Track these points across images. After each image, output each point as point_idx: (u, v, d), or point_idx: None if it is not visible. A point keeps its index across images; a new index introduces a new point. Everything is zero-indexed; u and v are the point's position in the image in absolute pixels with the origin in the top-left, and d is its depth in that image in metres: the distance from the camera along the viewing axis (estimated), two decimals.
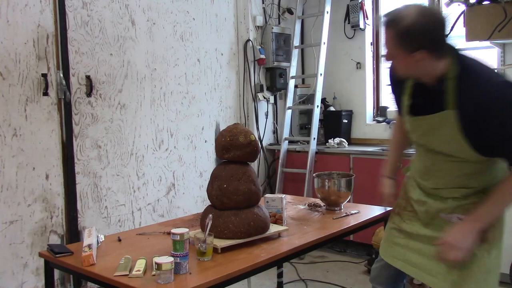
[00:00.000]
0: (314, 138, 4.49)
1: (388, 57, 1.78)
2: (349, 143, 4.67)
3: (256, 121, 4.77)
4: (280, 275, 3.09)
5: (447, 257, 1.80)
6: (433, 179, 1.92)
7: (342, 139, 4.58)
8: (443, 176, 1.88)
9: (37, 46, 3.09)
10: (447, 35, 1.74)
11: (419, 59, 1.69)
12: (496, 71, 1.83)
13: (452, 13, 3.92)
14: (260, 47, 4.74)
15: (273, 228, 2.22)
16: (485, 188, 1.82)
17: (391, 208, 2.81)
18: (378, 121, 4.82)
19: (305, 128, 5.08)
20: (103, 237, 2.25)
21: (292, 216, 2.57)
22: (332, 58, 4.83)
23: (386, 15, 1.73)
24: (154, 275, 1.75)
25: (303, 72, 5.24)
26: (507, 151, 1.69)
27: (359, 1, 4.69)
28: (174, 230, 1.85)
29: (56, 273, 3.10)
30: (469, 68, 1.72)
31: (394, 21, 1.68)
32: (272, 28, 4.79)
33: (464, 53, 1.79)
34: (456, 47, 1.80)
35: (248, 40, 4.65)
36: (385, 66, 4.93)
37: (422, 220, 1.97)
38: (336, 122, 4.76)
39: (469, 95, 1.67)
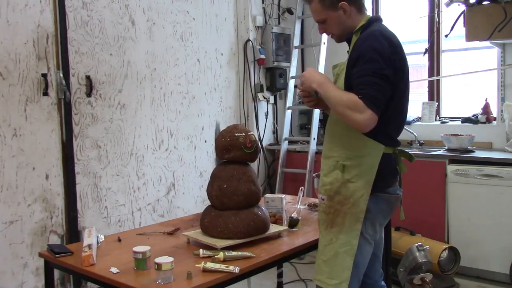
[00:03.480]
0: (314, 138, 4.49)
1: (321, 27, 2.08)
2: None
3: (256, 121, 4.76)
4: (280, 275, 3.09)
5: (304, 85, 2.00)
6: (325, 143, 2.11)
7: None
8: (326, 139, 2.09)
9: (37, 46, 3.09)
10: None
11: (344, 10, 1.98)
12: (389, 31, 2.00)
13: (452, 13, 3.93)
14: (260, 47, 4.74)
15: (273, 228, 2.23)
16: (344, 164, 1.94)
17: None
18: None
19: (305, 128, 5.08)
20: (103, 237, 2.25)
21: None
22: (332, 58, 4.83)
23: None
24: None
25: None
26: (355, 84, 1.87)
27: None
28: (136, 249, 1.87)
29: (56, 273, 3.10)
30: (370, 23, 2.00)
31: None
32: (272, 28, 4.79)
33: (379, 16, 2.09)
34: (378, 18, 2.08)
35: (248, 40, 4.65)
36: None
37: None
38: None
39: (356, 44, 1.94)
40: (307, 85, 1.98)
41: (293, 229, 2.32)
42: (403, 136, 4.80)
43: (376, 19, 2.04)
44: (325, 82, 1.94)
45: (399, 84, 1.92)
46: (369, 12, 4.76)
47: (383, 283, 2.27)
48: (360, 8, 2.03)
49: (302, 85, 2.02)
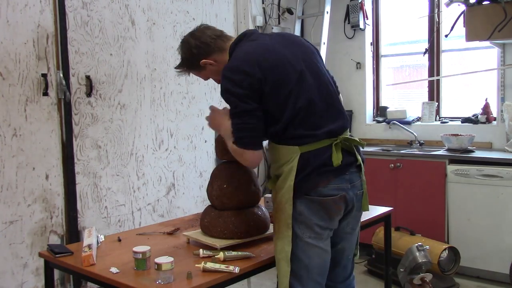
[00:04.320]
0: None
1: (207, 79, 2.17)
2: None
3: None
4: None
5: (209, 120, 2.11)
6: None
7: None
8: None
9: (37, 46, 3.09)
10: (212, 36, 2.03)
11: (210, 64, 2.02)
12: (258, 46, 1.93)
13: (452, 13, 3.93)
14: None
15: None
16: (276, 174, 1.94)
17: (391, 208, 2.83)
18: (378, 121, 4.82)
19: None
20: (103, 237, 2.25)
21: None
22: (332, 58, 4.83)
23: (176, 68, 2.14)
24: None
25: None
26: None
27: (359, 1, 4.69)
28: (135, 249, 1.87)
29: (56, 273, 3.10)
30: (231, 54, 1.98)
31: (179, 65, 2.11)
32: (272, 28, 4.79)
33: (245, 37, 2.00)
34: (243, 34, 2.03)
35: None
36: (385, 66, 4.94)
37: None
38: None
39: None
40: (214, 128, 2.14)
41: None
42: (403, 136, 4.82)
43: (240, 39, 2.01)
44: (220, 129, 2.03)
45: (281, 89, 1.85)
46: (369, 12, 4.78)
47: (351, 283, 2.16)
48: (222, 48, 2.02)
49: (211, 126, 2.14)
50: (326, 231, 1.91)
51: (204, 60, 2.01)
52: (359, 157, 1.97)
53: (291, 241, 1.87)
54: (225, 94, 1.88)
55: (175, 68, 2.13)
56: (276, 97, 1.85)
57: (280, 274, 1.91)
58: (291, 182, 1.85)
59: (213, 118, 2.08)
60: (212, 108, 2.11)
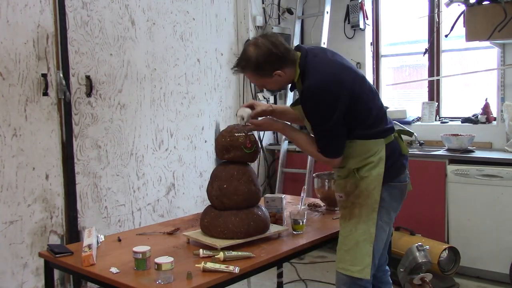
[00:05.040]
0: None
1: (259, 87, 2.38)
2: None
3: None
4: (280, 275, 3.09)
5: (249, 129, 2.25)
6: None
7: None
8: None
9: (37, 46, 3.09)
10: (287, 48, 2.11)
11: (279, 75, 2.10)
12: (333, 64, 2.12)
13: (452, 13, 3.93)
14: None
15: (273, 228, 2.23)
16: (357, 168, 2.12)
17: None
18: None
19: (305, 128, 5.07)
20: (103, 237, 2.25)
21: None
22: None
23: (235, 65, 2.15)
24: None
25: None
26: (314, 133, 2.18)
27: (359, 1, 4.69)
28: (135, 249, 1.86)
29: (56, 273, 3.10)
30: (306, 71, 2.10)
31: (244, 65, 2.10)
32: (272, 28, 4.79)
33: (309, 53, 2.14)
34: (305, 49, 2.16)
35: (248, 40, 4.65)
36: (385, 66, 4.94)
37: None
38: None
39: (303, 96, 2.09)
40: (265, 129, 2.46)
41: (297, 232, 2.31)
42: (403, 136, 4.79)
43: (306, 55, 2.12)
44: (283, 128, 2.36)
45: (363, 97, 2.12)
46: (369, 12, 4.78)
47: (387, 267, 2.45)
48: (294, 62, 2.12)
49: (258, 127, 2.32)
50: (395, 216, 2.22)
51: (278, 71, 2.09)
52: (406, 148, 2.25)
53: (376, 224, 2.10)
54: (316, 109, 2.04)
55: (235, 66, 2.14)
56: (360, 105, 2.09)
57: (360, 255, 2.09)
58: (381, 170, 2.09)
59: (269, 125, 2.38)
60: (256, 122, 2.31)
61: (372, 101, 2.17)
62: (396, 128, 2.25)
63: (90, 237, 2.08)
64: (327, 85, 2.03)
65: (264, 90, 4.83)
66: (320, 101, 2.02)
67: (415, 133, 2.29)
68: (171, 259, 1.74)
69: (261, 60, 2.06)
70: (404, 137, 2.29)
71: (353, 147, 2.13)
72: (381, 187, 2.09)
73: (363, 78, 2.19)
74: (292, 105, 2.36)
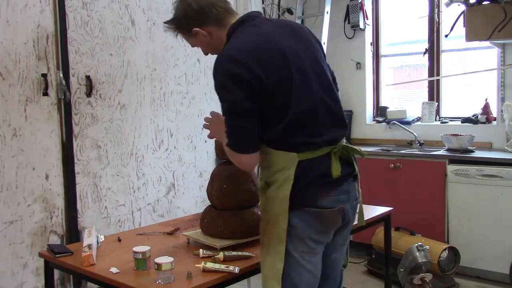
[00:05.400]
0: None
1: (192, 46, 1.93)
2: (349, 143, 4.66)
3: None
4: None
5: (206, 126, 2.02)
6: None
7: None
8: None
9: (37, 46, 3.09)
10: (213, 5, 1.80)
11: (203, 35, 1.82)
12: (258, 33, 1.74)
13: (452, 13, 3.93)
14: None
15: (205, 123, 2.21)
16: (266, 181, 1.76)
17: (391, 208, 2.82)
18: (378, 121, 4.82)
19: None
20: (103, 237, 2.25)
21: None
22: (332, 58, 4.83)
23: (164, 23, 1.91)
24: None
25: None
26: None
27: (359, 1, 4.69)
28: (135, 249, 1.86)
29: (56, 273, 3.10)
30: (229, 38, 1.78)
31: (170, 21, 1.87)
32: None
33: (247, 20, 1.81)
34: (247, 16, 1.83)
35: None
36: (385, 66, 4.93)
37: None
38: None
39: None
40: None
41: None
42: (403, 136, 4.82)
43: (242, 21, 1.80)
44: (220, 135, 1.89)
45: (282, 89, 1.69)
46: (369, 12, 4.78)
47: None
48: (220, 23, 1.80)
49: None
50: (319, 246, 1.77)
51: (196, 29, 1.80)
52: (356, 167, 1.84)
53: (284, 257, 1.71)
54: (219, 89, 1.69)
55: (164, 22, 1.90)
56: (277, 97, 1.68)
57: None
58: (287, 192, 1.68)
59: (213, 124, 1.96)
60: (214, 114, 1.95)
61: (305, 97, 1.72)
62: (341, 144, 1.80)
63: (90, 237, 2.08)
64: (237, 56, 1.66)
65: None
66: (224, 74, 1.65)
67: (361, 152, 1.86)
68: (171, 259, 1.74)
69: (179, 15, 1.83)
70: (363, 149, 1.91)
71: (264, 153, 1.75)
72: (287, 212, 1.69)
73: (308, 72, 1.75)
74: None
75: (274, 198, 1.72)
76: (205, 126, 2.05)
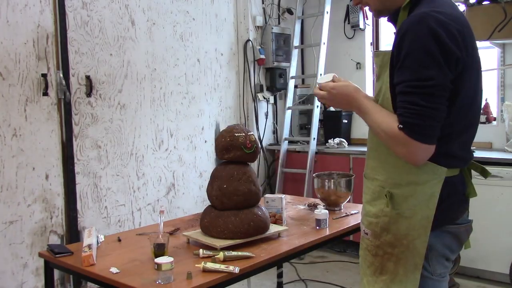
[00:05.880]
0: (314, 138, 4.49)
1: (357, 2, 1.61)
2: (349, 143, 4.67)
3: (256, 121, 4.77)
4: (280, 275, 3.09)
5: (316, 93, 1.62)
6: (367, 158, 1.63)
7: (342, 139, 4.59)
8: (369, 153, 1.62)
9: (37, 46, 3.09)
10: None
11: None
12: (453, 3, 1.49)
13: None
14: (260, 47, 4.74)
15: (273, 228, 2.22)
16: (392, 193, 1.48)
17: None
18: None
19: (305, 128, 5.08)
20: (103, 237, 2.25)
21: (292, 216, 2.57)
22: (332, 58, 4.83)
23: None
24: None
25: (303, 72, 5.24)
26: (398, 100, 1.41)
27: None
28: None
29: (56, 273, 3.10)
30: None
31: None
32: (272, 28, 4.79)
33: None
34: None
35: (248, 40, 4.65)
36: None
37: None
38: (336, 122, 4.76)
39: (401, 30, 1.40)
40: (329, 105, 1.68)
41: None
42: None
43: None
44: (356, 105, 1.54)
45: (464, 82, 1.41)
46: (369, 12, 4.78)
47: None
48: None
49: (324, 102, 1.64)
50: (451, 265, 1.60)
51: None
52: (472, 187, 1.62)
53: (418, 285, 1.48)
54: (418, 51, 1.34)
55: None
56: (465, 91, 1.41)
57: None
58: (431, 213, 1.45)
59: (334, 97, 1.58)
60: (324, 85, 1.60)
61: (476, 101, 1.50)
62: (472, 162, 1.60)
63: (90, 237, 2.08)
64: (449, 21, 1.36)
65: (264, 90, 4.84)
66: (428, 42, 1.33)
67: (488, 172, 1.74)
68: (171, 259, 1.73)
69: None
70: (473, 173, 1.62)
71: (394, 155, 1.46)
72: (428, 236, 1.46)
73: (479, 72, 1.50)
74: (377, 55, 1.55)
75: (409, 217, 1.47)
76: (321, 96, 1.61)
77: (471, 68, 1.43)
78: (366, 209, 1.57)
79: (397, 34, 1.41)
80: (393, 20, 1.56)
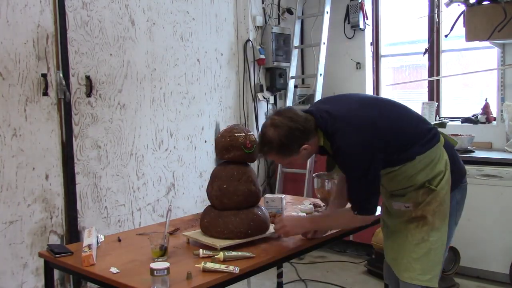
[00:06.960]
0: None
1: (288, 166, 2.23)
2: None
3: (256, 121, 4.76)
4: (280, 275, 3.09)
5: (276, 228, 2.11)
6: (387, 186, 2.18)
7: None
8: (389, 184, 2.17)
9: (37, 46, 3.09)
10: (305, 118, 1.99)
11: (305, 149, 1.99)
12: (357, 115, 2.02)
13: (452, 13, 3.93)
14: (260, 47, 4.74)
15: (273, 228, 2.22)
16: (427, 180, 2.05)
17: None
18: None
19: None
20: (103, 237, 2.25)
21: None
22: (332, 58, 4.83)
23: (258, 152, 2.07)
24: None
25: (303, 72, 5.24)
26: (348, 189, 2.05)
27: (359, 1, 4.69)
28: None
29: (56, 273, 3.10)
30: (328, 131, 2.00)
31: (267, 149, 1.98)
32: (272, 28, 4.79)
33: (318, 111, 2.07)
34: (313, 110, 2.08)
35: (248, 40, 4.65)
36: (385, 66, 4.93)
37: (388, 210, 2.25)
38: None
39: (335, 154, 2.01)
40: (292, 235, 2.16)
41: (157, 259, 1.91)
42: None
43: (320, 115, 2.04)
44: (312, 224, 2.16)
45: (393, 137, 2.02)
46: (369, 12, 4.78)
47: None
48: (314, 128, 2.02)
49: (284, 235, 2.14)
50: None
51: (305, 145, 1.98)
52: None
53: (447, 231, 2.06)
54: (362, 163, 1.92)
55: (260, 151, 2.04)
56: (397, 136, 2.02)
57: (431, 263, 2.03)
58: (449, 174, 2.05)
59: (290, 226, 2.12)
60: (281, 218, 2.17)
61: (403, 120, 2.09)
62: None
63: (90, 237, 2.08)
64: (368, 136, 1.95)
65: (264, 90, 4.84)
66: (367, 150, 1.94)
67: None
68: (166, 264, 1.71)
69: (285, 140, 1.93)
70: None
71: (415, 164, 2.03)
72: (450, 191, 2.06)
73: (385, 105, 2.12)
74: (328, 169, 2.24)
75: (439, 183, 2.03)
76: (280, 230, 2.12)
77: (386, 127, 2.02)
78: (409, 195, 2.09)
79: (334, 154, 2.04)
80: (323, 151, 2.13)
